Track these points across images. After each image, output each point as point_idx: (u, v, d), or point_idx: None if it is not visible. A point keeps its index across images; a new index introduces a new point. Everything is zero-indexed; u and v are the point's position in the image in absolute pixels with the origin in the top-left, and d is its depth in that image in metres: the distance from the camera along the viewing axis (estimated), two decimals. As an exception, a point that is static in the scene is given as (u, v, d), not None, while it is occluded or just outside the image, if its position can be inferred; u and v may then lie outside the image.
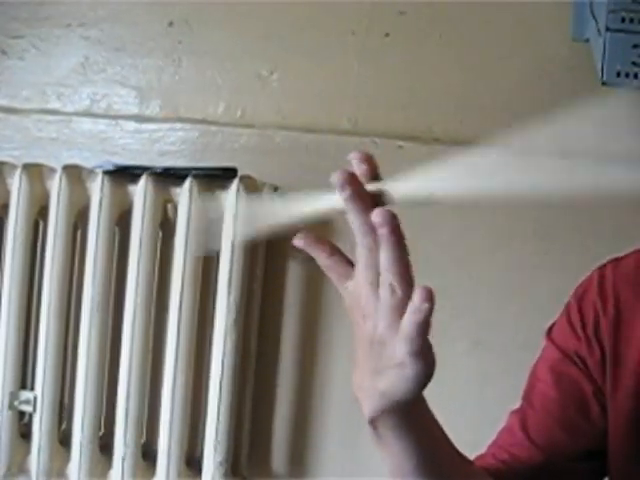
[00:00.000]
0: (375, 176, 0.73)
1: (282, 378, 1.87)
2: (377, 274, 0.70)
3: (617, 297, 1.01)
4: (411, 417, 0.76)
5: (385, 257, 0.69)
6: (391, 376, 0.70)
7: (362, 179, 0.72)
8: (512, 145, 0.69)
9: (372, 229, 0.69)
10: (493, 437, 1.04)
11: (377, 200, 0.71)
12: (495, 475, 0.95)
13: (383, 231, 0.68)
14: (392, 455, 0.79)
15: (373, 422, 0.75)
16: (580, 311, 1.02)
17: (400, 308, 0.68)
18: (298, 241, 0.77)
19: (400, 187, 0.71)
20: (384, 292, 0.69)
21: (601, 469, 1.01)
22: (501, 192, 0.64)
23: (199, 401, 1.80)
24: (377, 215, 0.68)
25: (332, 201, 0.74)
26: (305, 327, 1.86)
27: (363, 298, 0.72)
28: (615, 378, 0.98)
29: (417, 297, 0.67)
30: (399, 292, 0.68)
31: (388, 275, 0.69)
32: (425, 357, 0.68)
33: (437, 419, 0.80)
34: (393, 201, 0.71)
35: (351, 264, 0.76)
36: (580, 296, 1.03)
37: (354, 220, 0.71)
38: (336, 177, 0.72)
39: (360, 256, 0.72)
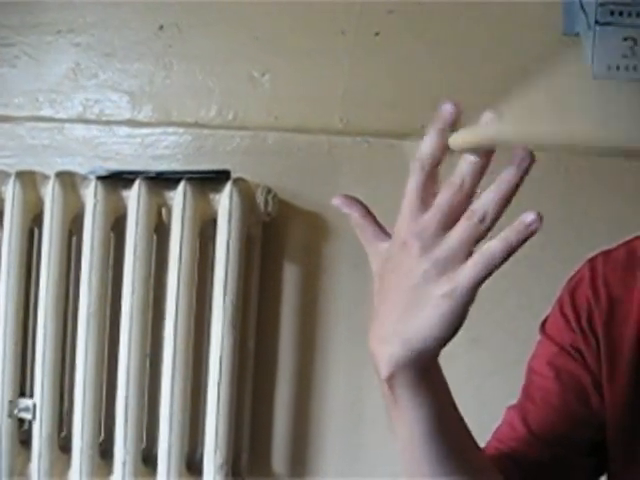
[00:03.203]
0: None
1: (281, 379, 1.87)
2: (452, 208, 0.71)
3: (608, 289, 1.01)
4: (429, 375, 0.75)
5: (501, 188, 0.69)
6: (427, 313, 0.70)
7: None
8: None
9: (439, 155, 0.73)
10: (491, 434, 1.04)
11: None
12: (498, 466, 0.95)
13: (522, 166, 0.68)
14: (404, 420, 0.78)
15: (389, 378, 0.75)
16: (573, 304, 1.02)
17: (478, 239, 0.70)
18: (336, 199, 0.79)
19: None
20: (469, 221, 0.70)
21: (603, 463, 1.01)
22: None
23: (198, 404, 1.80)
24: (520, 151, 0.68)
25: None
26: (303, 327, 1.86)
27: (414, 233, 0.71)
28: (610, 368, 0.99)
29: (527, 216, 0.68)
30: (487, 222, 0.69)
31: (486, 201, 0.69)
32: (472, 295, 0.69)
33: (449, 388, 0.80)
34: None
35: (382, 227, 0.78)
36: (572, 289, 1.04)
37: (431, 138, 0.74)
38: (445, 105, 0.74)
39: (414, 182, 0.73)
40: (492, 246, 0.68)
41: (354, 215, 0.78)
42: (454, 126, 0.72)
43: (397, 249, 0.73)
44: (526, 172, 0.68)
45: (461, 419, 0.83)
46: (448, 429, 0.80)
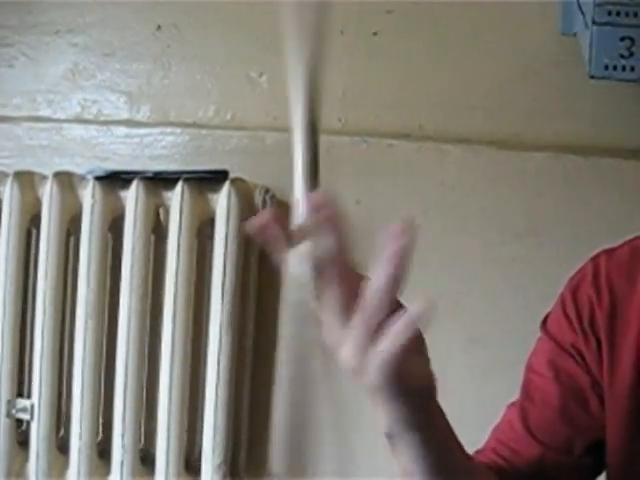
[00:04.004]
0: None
1: (279, 379, 1.87)
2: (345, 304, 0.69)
3: (611, 288, 1.01)
4: (425, 418, 0.76)
5: (380, 277, 0.68)
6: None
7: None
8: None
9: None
10: (489, 432, 1.05)
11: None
12: (496, 471, 0.95)
13: (398, 244, 0.67)
14: (404, 457, 0.80)
15: (390, 434, 0.78)
16: (575, 303, 1.02)
17: (374, 332, 0.68)
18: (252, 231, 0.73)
19: None
20: (363, 314, 0.69)
21: (601, 464, 1.01)
22: None
23: (196, 404, 1.80)
24: (396, 229, 0.67)
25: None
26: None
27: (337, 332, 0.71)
28: (612, 369, 0.98)
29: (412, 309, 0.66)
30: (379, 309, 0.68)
31: (377, 293, 0.68)
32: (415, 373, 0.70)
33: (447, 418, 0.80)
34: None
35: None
36: (574, 288, 1.03)
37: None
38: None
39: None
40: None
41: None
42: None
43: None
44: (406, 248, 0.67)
45: (461, 447, 0.84)
46: (449, 461, 0.81)
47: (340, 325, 0.71)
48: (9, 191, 1.81)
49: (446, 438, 0.81)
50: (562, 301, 1.04)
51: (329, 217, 0.69)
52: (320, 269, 0.69)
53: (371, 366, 0.69)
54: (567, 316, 1.02)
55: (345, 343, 0.70)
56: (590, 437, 1.00)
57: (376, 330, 0.68)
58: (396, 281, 0.68)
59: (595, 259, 1.04)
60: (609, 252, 1.04)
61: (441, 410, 0.79)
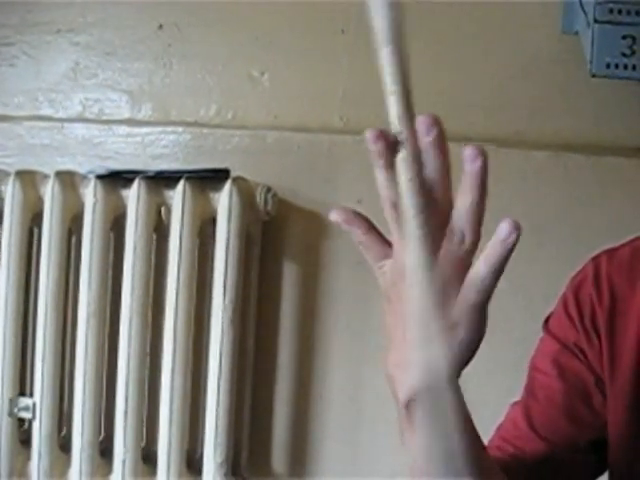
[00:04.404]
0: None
1: (280, 377, 1.87)
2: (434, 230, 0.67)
3: (612, 288, 1.01)
4: (447, 397, 0.72)
5: (464, 201, 0.66)
6: (438, 345, 0.68)
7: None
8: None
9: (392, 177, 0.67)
10: (493, 431, 1.05)
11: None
12: (501, 468, 0.95)
13: (475, 166, 0.66)
14: (420, 441, 0.76)
15: (409, 403, 0.73)
16: (577, 303, 1.02)
17: (465, 260, 0.66)
18: (335, 216, 0.73)
19: None
20: (450, 243, 0.67)
21: (605, 461, 1.01)
22: None
23: (198, 402, 1.80)
24: (470, 151, 0.66)
25: None
26: (302, 326, 1.86)
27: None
28: (613, 367, 0.99)
29: (503, 227, 0.65)
30: (468, 240, 0.66)
31: (460, 223, 0.66)
32: (483, 316, 0.67)
33: (465, 404, 0.78)
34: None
35: (387, 243, 0.73)
36: (576, 287, 1.04)
37: (382, 177, 0.69)
38: (368, 133, 0.70)
39: (392, 218, 0.69)
40: (479, 271, 0.66)
41: (356, 233, 0.73)
42: (392, 148, 0.69)
43: (399, 277, 0.71)
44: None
45: (477, 435, 0.82)
46: (465, 449, 0.78)
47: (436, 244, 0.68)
48: (11, 190, 1.81)
49: (465, 423, 0.79)
50: (564, 301, 1.04)
51: (439, 137, 0.68)
52: (427, 192, 0.67)
53: (469, 284, 0.67)
54: (569, 315, 1.02)
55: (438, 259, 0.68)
56: (594, 434, 1.00)
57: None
58: (481, 203, 0.66)
59: (596, 259, 1.04)
60: (610, 252, 1.04)
61: (461, 393, 0.77)
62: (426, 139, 0.68)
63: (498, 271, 0.66)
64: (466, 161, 0.66)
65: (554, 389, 1.02)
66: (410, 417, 0.74)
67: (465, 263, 0.67)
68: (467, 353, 0.69)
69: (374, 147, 0.69)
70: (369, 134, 0.69)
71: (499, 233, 0.65)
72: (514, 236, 0.65)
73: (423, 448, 0.77)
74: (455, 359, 0.69)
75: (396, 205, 0.69)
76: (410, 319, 0.70)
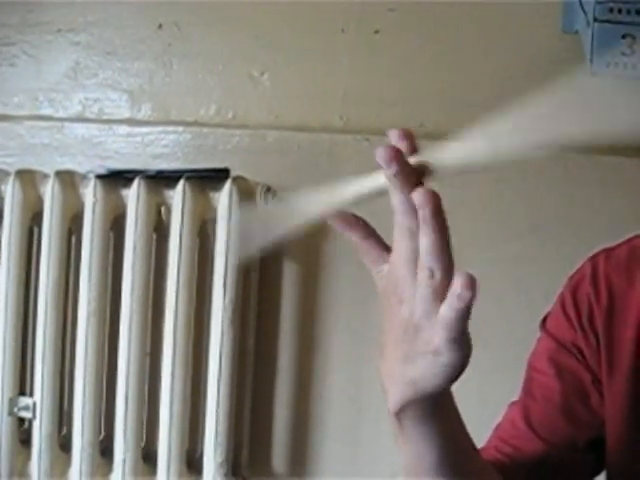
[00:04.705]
0: (415, 152, 0.69)
1: (281, 377, 1.87)
2: (416, 256, 0.66)
3: (610, 286, 1.01)
4: (438, 409, 0.74)
5: (425, 239, 0.65)
6: (424, 363, 0.68)
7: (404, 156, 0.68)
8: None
9: (414, 209, 0.66)
10: (491, 431, 1.05)
11: (419, 175, 0.67)
12: (499, 469, 0.95)
13: (425, 212, 0.64)
14: (412, 448, 0.77)
15: (398, 413, 0.73)
16: (574, 302, 1.02)
17: (439, 293, 0.65)
18: (333, 221, 0.73)
19: (442, 156, 0.67)
20: (422, 276, 0.66)
21: (603, 460, 1.01)
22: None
23: (198, 402, 1.80)
24: (419, 195, 0.65)
25: (360, 185, 0.70)
26: (303, 325, 1.86)
27: (400, 281, 0.69)
28: (610, 366, 0.99)
29: (458, 283, 0.64)
30: (438, 276, 0.65)
31: (427, 258, 0.65)
32: (462, 346, 0.66)
33: (459, 411, 0.78)
34: (436, 173, 0.67)
35: (386, 248, 0.72)
36: (574, 287, 1.04)
37: (396, 198, 0.67)
38: (381, 153, 0.67)
39: (399, 237, 0.68)
40: (445, 316, 0.65)
41: (355, 237, 0.73)
42: (402, 163, 0.67)
43: (392, 290, 0.70)
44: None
45: (471, 443, 0.82)
46: (458, 457, 0.79)
47: (410, 281, 0.68)
48: (11, 190, 1.81)
49: (460, 431, 0.79)
50: (562, 300, 1.04)
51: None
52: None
53: (440, 324, 0.65)
54: (567, 315, 1.02)
55: (412, 299, 0.67)
56: (592, 433, 1.01)
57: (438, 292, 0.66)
58: (442, 239, 0.65)
59: (594, 259, 1.05)
60: (608, 251, 1.05)
61: (455, 403, 0.77)
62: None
63: (460, 319, 0.65)
64: (418, 206, 0.65)
65: (552, 389, 1.02)
66: (400, 426, 0.75)
67: (440, 297, 0.66)
68: (452, 374, 0.68)
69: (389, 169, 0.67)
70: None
71: (454, 288, 0.64)
72: (467, 294, 0.64)
73: (415, 454, 0.77)
74: (439, 379, 0.69)
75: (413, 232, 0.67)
76: (392, 336, 0.71)
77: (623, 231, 1.08)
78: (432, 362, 0.67)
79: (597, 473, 1.04)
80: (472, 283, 0.64)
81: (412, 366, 0.69)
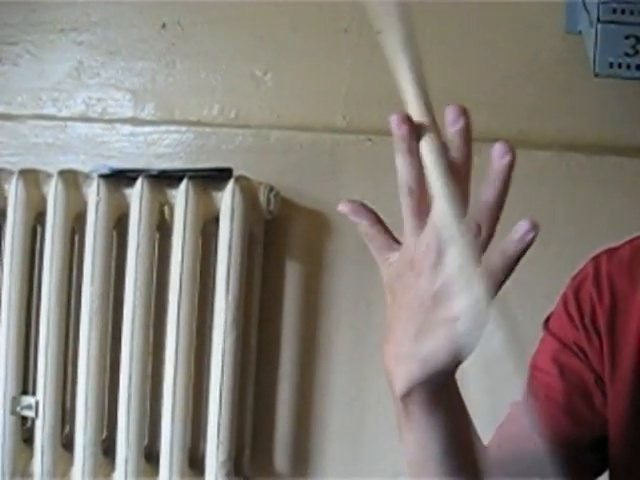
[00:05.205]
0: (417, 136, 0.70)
1: (283, 376, 1.87)
2: (448, 220, 0.67)
3: (612, 287, 1.01)
4: (444, 395, 0.74)
5: (486, 194, 0.67)
6: (438, 334, 0.68)
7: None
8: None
9: (419, 172, 0.67)
10: (494, 431, 1.05)
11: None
12: (501, 467, 0.95)
13: (502, 162, 0.67)
14: (417, 438, 0.76)
15: (405, 396, 0.73)
16: (577, 302, 1.03)
17: (480, 250, 0.67)
18: (343, 207, 0.74)
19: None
20: (466, 234, 0.66)
21: (605, 460, 1.01)
22: None
23: (200, 401, 1.80)
24: (499, 145, 0.66)
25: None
26: (305, 324, 1.86)
27: (419, 252, 0.69)
28: (613, 366, 0.99)
29: (521, 226, 0.66)
30: (484, 234, 0.67)
31: (478, 215, 0.67)
32: (480, 313, 0.67)
33: (465, 405, 0.78)
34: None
35: (393, 237, 0.73)
36: (576, 287, 1.04)
37: (403, 161, 0.69)
38: (394, 117, 0.69)
39: (407, 205, 0.69)
40: (493, 264, 0.67)
41: (363, 224, 0.74)
42: (416, 133, 0.68)
43: (406, 268, 0.71)
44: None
45: (477, 437, 0.82)
46: (462, 447, 0.78)
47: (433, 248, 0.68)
48: (14, 189, 1.81)
49: (465, 419, 0.79)
50: (564, 300, 1.05)
51: (465, 127, 0.68)
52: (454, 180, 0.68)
53: (490, 270, 0.67)
54: (569, 314, 1.03)
55: (432, 270, 0.68)
56: (595, 433, 1.01)
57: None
58: (501, 199, 0.67)
59: (596, 259, 1.05)
60: (610, 252, 1.05)
61: (460, 391, 0.77)
62: (452, 128, 0.68)
63: (510, 268, 0.67)
64: (494, 156, 0.67)
65: (554, 388, 1.02)
66: (406, 410, 0.74)
67: (479, 254, 0.67)
68: (463, 351, 0.68)
69: (398, 131, 0.69)
70: (394, 117, 0.69)
71: (517, 229, 0.66)
72: (531, 235, 0.66)
73: (419, 442, 0.77)
74: (449, 354, 0.69)
75: (413, 191, 0.69)
76: (403, 314, 0.71)
77: (624, 231, 1.08)
78: (447, 332, 0.67)
79: (600, 473, 1.04)
80: (535, 226, 0.66)
81: (423, 341, 0.69)
